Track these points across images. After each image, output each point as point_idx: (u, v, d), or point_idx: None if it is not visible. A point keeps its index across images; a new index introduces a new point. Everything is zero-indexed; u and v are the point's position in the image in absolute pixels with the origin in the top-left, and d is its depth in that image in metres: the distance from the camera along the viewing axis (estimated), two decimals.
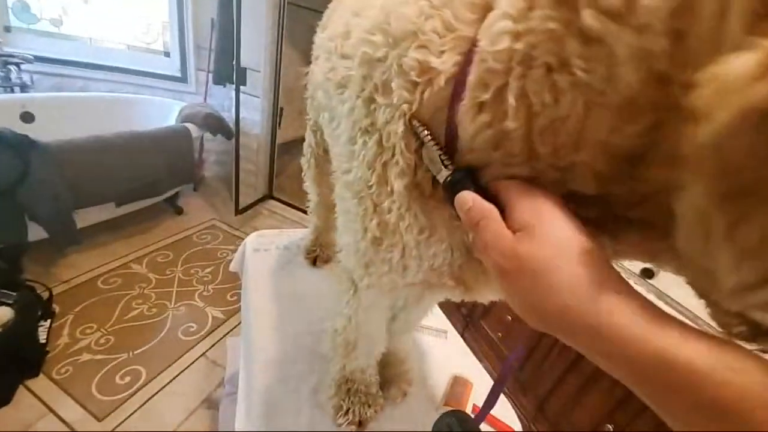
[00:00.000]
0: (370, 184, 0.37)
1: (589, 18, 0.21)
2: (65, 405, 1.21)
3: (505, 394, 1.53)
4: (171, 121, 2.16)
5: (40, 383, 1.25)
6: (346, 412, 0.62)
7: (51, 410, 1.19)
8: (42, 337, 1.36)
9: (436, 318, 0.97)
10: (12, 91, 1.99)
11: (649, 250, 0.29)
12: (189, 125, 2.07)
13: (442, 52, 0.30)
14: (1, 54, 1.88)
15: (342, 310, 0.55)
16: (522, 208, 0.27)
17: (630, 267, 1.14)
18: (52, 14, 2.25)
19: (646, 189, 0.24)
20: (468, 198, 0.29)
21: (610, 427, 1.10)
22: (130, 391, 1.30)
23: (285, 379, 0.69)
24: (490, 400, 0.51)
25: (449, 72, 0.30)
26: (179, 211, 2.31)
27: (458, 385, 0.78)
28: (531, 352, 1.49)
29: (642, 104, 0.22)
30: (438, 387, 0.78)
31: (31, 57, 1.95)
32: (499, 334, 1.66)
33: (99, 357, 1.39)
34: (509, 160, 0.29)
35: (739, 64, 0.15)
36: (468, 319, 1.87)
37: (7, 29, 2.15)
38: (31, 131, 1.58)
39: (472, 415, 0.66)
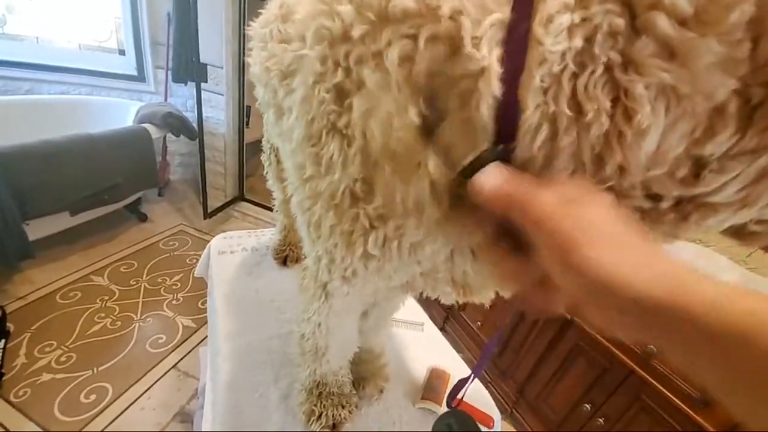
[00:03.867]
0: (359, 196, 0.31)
1: (665, 25, 0.20)
2: (24, 427, 1.13)
3: (485, 381, 1.55)
4: (128, 122, 2.04)
5: None
6: (319, 417, 0.59)
7: None
8: None
9: (412, 310, 0.96)
10: None
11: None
12: (148, 126, 1.96)
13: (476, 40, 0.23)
14: None
15: (309, 316, 0.51)
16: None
17: None
18: None
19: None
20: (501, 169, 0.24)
21: (587, 406, 1.12)
22: (97, 409, 1.23)
23: (253, 387, 0.65)
24: (463, 382, 0.50)
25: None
26: (143, 218, 2.20)
27: (436, 377, 0.76)
28: (509, 339, 1.50)
29: (731, 111, 0.20)
30: (416, 381, 0.77)
31: None
32: (479, 322, 1.68)
33: (60, 376, 1.30)
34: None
35: None
36: (448, 311, 1.88)
37: None
38: None
39: (447, 408, 0.65)
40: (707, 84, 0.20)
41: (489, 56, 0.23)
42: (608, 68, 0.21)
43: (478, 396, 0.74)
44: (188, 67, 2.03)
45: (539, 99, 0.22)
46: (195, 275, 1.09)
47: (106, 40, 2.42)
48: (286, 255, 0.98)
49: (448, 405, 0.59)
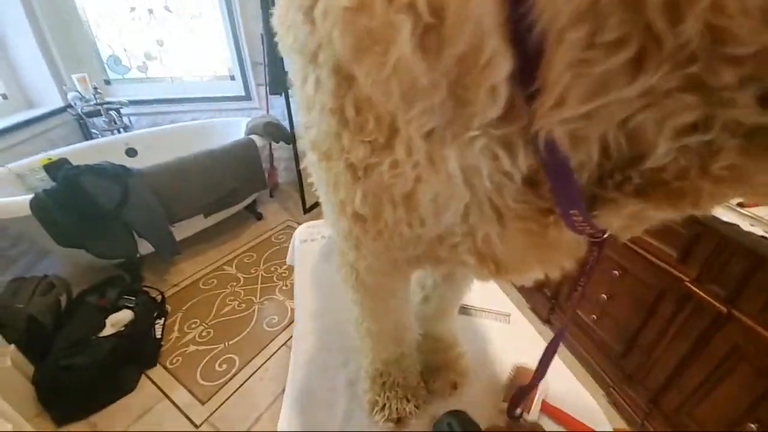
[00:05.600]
0: (343, 143, 0.29)
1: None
2: (177, 391, 1.41)
3: (607, 386, 1.30)
4: (241, 136, 2.36)
5: (157, 372, 1.48)
6: (382, 408, 0.57)
7: (166, 395, 1.39)
8: (158, 333, 1.61)
9: (498, 299, 0.85)
10: (117, 132, 2.40)
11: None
12: (254, 137, 2.24)
13: None
14: (104, 103, 2.28)
15: (350, 296, 0.49)
16: None
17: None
18: (137, 63, 2.66)
19: None
20: None
21: (753, 426, 0.84)
22: (227, 377, 1.46)
23: (323, 368, 0.67)
24: (525, 390, 0.40)
25: None
26: (259, 217, 2.53)
27: (521, 376, 0.66)
28: (636, 335, 1.24)
29: None
30: (499, 378, 0.68)
31: (126, 102, 2.33)
32: (594, 316, 1.42)
33: (202, 348, 1.59)
34: None
35: None
36: (554, 301, 1.65)
37: (107, 82, 2.61)
38: (136, 163, 1.88)
39: (536, 413, 0.55)
40: None
41: None
42: None
43: (578, 401, 0.60)
44: (279, 79, 2.23)
45: None
46: (287, 263, 1.18)
47: (220, 70, 2.85)
48: None
49: (510, 414, 0.49)
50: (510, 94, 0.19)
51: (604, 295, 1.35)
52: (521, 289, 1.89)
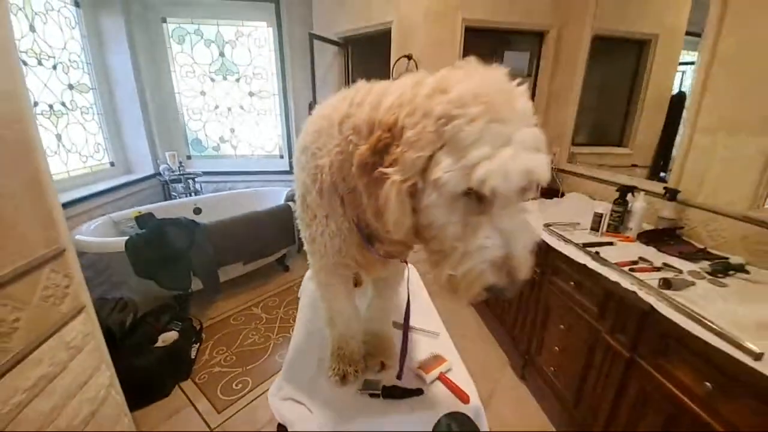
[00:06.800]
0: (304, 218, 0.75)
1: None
2: (200, 400, 1.74)
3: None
4: (281, 202, 2.96)
5: (187, 384, 1.83)
6: (334, 370, 0.91)
7: (191, 403, 1.73)
8: (193, 354, 2.00)
9: (434, 322, 1.18)
10: (190, 195, 3.10)
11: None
12: (290, 203, 2.81)
13: None
14: (185, 173, 3.01)
15: (318, 296, 0.89)
16: None
17: (649, 281, 1.14)
18: (213, 144, 3.48)
19: None
20: None
21: None
22: (240, 394, 1.77)
23: (306, 351, 1.03)
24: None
25: None
26: (286, 269, 2.99)
27: (434, 358, 0.98)
28: (581, 387, 1.43)
29: None
30: (417, 362, 0.99)
31: (200, 173, 3.06)
32: (552, 368, 1.63)
33: (224, 370, 1.93)
34: None
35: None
36: (526, 357, 1.86)
37: (188, 157, 3.41)
38: (200, 219, 2.47)
39: (434, 376, 0.88)
40: None
41: None
42: None
43: (462, 378, 0.91)
44: None
45: None
46: (298, 296, 1.58)
47: (272, 150, 3.61)
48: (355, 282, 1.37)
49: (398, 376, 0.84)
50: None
51: (556, 348, 1.59)
52: (503, 346, 2.10)
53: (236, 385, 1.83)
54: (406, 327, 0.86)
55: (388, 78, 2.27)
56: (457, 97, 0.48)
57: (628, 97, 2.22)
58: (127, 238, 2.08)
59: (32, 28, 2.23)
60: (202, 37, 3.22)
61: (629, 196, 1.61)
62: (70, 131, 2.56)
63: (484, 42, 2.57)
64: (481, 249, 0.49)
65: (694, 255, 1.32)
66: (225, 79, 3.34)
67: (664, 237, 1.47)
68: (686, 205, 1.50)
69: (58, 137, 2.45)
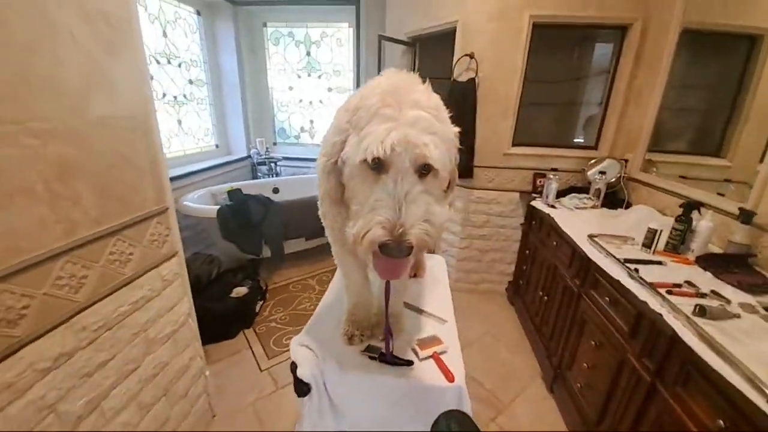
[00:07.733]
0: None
1: None
2: (256, 346, 2.09)
3: None
4: None
5: (249, 332, 2.20)
6: (345, 331, 1.08)
7: (249, 346, 2.08)
8: (257, 308, 2.38)
9: (446, 310, 1.27)
10: (271, 176, 3.56)
11: None
12: None
13: None
14: (269, 158, 3.47)
15: (339, 270, 1.06)
16: None
17: (683, 306, 1.07)
18: (295, 133, 3.92)
19: None
20: None
21: None
22: (287, 348, 2.06)
23: (328, 312, 1.22)
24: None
25: None
26: None
27: (432, 338, 1.08)
28: (605, 405, 1.38)
29: None
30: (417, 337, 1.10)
31: (281, 158, 3.50)
32: (579, 384, 1.58)
33: (279, 326, 2.27)
34: None
35: None
36: (557, 370, 1.81)
37: (274, 143, 3.90)
38: (277, 197, 2.87)
39: (428, 354, 0.99)
40: None
41: None
42: None
43: (454, 362, 1.00)
44: None
45: None
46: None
47: None
48: None
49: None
50: None
51: (585, 364, 1.53)
52: (538, 357, 2.05)
53: (286, 340, 2.14)
54: (386, 307, 0.97)
55: (450, 77, 2.33)
56: (365, 94, 0.65)
57: (733, 101, 1.92)
58: (219, 207, 2.54)
59: (164, 34, 2.81)
60: (293, 39, 3.64)
61: (695, 213, 1.46)
62: (189, 118, 3.16)
63: (558, 39, 2.44)
64: (372, 210, 0.59)
65: (756, 287, 1.17)
66: (309, 75, 3.73)
67: (729, 263, 1.31)
68: (763, 230, 1.31)
69: (179, 122, 3.06)
